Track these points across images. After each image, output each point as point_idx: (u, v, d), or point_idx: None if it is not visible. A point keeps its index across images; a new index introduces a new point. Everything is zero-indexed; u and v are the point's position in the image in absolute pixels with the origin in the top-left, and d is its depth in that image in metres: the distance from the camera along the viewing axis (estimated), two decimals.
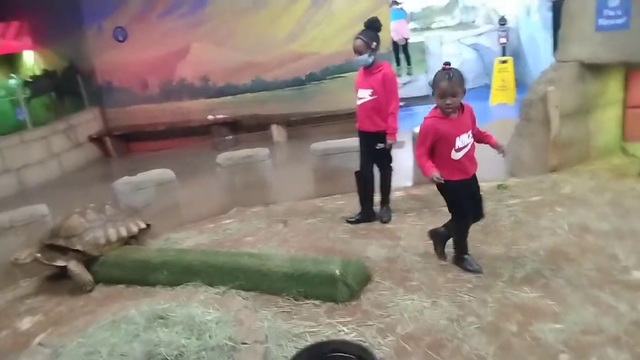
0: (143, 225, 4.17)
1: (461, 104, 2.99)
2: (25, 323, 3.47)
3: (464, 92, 2.93)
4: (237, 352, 2.55)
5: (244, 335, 2.72)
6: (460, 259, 3.31)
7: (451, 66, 2.93)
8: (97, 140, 8.41)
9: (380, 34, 4.02)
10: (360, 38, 3.87)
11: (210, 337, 2.57)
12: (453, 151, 3.00)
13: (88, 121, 8.46)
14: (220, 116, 8.19)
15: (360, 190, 4.34)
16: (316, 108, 7.85)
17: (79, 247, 3.74)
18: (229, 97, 8.20)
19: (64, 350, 2.72)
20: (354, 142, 5.10)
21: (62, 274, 3.82)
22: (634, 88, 5.03)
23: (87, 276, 3.73)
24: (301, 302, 3.16)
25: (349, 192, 5.05)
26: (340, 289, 3.11)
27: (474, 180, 3.20)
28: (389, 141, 4.06)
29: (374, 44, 3.88)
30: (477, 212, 3.27)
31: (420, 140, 3.05)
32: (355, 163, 5.06)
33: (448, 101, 2.90)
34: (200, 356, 2.45)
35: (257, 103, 8.12)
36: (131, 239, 4.07)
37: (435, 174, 2.98)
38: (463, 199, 3.17)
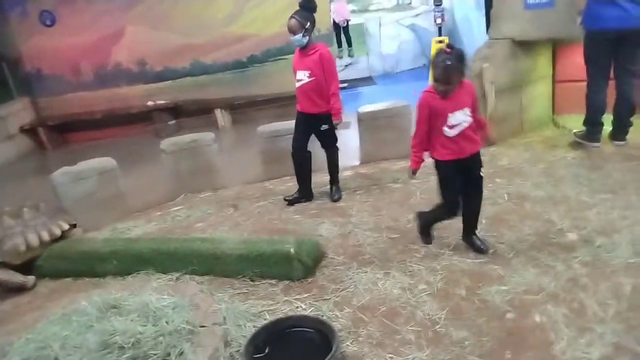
0: (66, 227, 3.90)
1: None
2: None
3: (463, 75, 2.80)
4: (196, 335, 2.54)
5: (201, 318, 2.71)
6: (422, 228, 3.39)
7: (453, 49, 2.74)
8: (29, 131, 7.90)
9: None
10: (294, 17, 3.85)
11: (167, 322, 2.54)
12: (445, 128, 2.88)
13: (18, 111, 7.92)
14: (161, 102, 7.92)
15: (297, 170, 4.37)
16: (259, 91, 7.76)
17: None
18: (168, 82, 7.93)
19: (11, 348, 2.61)
20: None
21: None
22: (561, 63, 5.34)
23: (18, 277, 3.55)
24: (257, 283, 3.18)
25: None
26: (295, 267, 3.16)
27: (472, 160, 3.02)
28: (335, 121, 4.10)
29: (308, 24, 3.86)
30: (472, 191, 3.11)
31: (418, 117, 2.95)
32: None
33: (440, 87, 2.80)
34: (157, 342, 2.41)
35: (198, 87, 7.91)
36: (56, 241, 3.82)
37: (410, 171, 3.15)
38: (451, 182, 3.07)
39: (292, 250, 3.19)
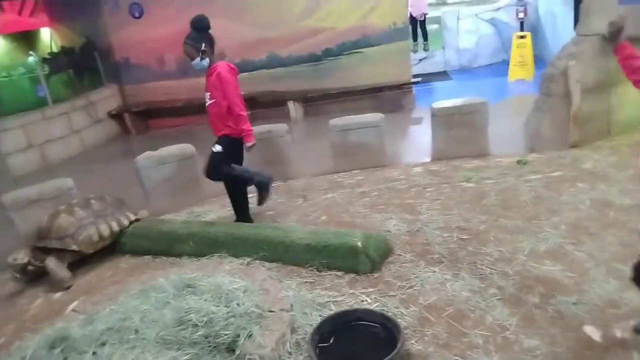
0: (133, 217, 4.08)
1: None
2: (57, 291, 3.60)
3: None
4: (264, 319, 2.63)
5: (270, 303, 2.80)
6: None
7: None
8: (116, 116, 8.48)
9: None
10: (186, 42, 3.57)
11: (238, 304, 2.66)
12: None
13: (107, 98, 8.53)
14: None
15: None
16: (332, 84, 7.82)
17: (74, 247, 3.68)
18: (245, 74, 8.12)
19: (97, 316, 2.83)
20: (373, 117, 5.13)
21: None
22: None
23: (64, 272, 3.64)
24: (324, 273, 3.23)
25: (368, 167, 5.11)
26: (362, 261, 3.17)
27: None
28: (247, 144, 3.79)
29: (203, 44, 3.57)
30: None
31: None
32: (373, 139, 5.10)
33: None
34: (229, 322, 2.53)
35: (273, 79, 8.10)
36: (120, 232, 3.99)
37: None
38: None
39: (359, 244, 3.21)
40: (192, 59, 3.61)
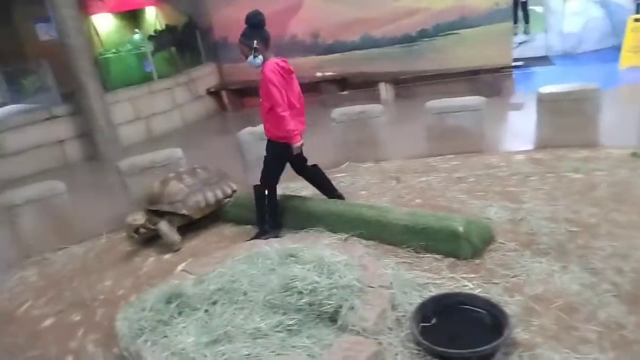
0: (235, 187, 4.28)
1: None
2: (167, 253, 3.89)
3: None
4: (365, 294, 2.68)
5: (369, 279, 2.84)
6: None
7: None
8: (214, 94, 8.89)
9: None
10: (239, 40, 3.51)
11: (340, 277, 2.72)
12: None
13: (205, 75, 8.95)
14: (329, 73, 8.27)
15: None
16: (426, 66, 7.65)
17: (184, 212, 3.92)
18: (338, 55, 8.23)
19: (207, 277, 3.02)
20: (473, 101, 4.98)
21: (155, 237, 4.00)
22: None
23: (175, 236, 3.90)
24: (422, 255, 3.21)
25: (464, 152, 4.97)
26: (463, 246, 3.12)
27: None
28: (294, 147, 3.65)
29: (255, 42, 3.44)
30: None
31: None
32: (471, 123, 4.94)
33: None
34: (332, 293, 2.60)
35: (365, 60, 8.07)
36: (224, 200, 4.20)
37: None
38: None
39: (460, 228, 3.15)
40: (246, 57, 3.52)
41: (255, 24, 3.47)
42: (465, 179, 4.37)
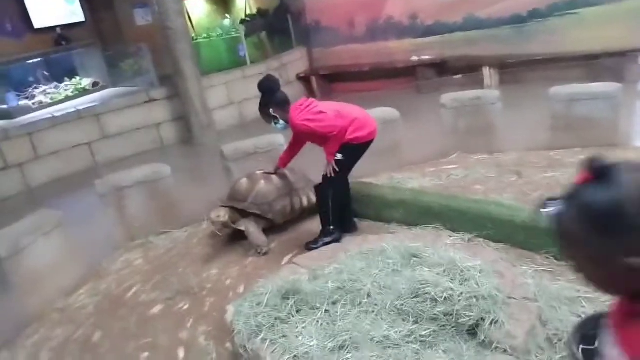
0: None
1: None
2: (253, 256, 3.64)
3: None
4: (509, 307, 2.33)
5: (509, 289, 2.49)
6: None
7: None
8: (303, 79, 8.71)
9: None
10: (259, 110, 3.47)
11: (477, 284, 2.39)
12: None
13: (296, 60, 8.78)
14: (425, 57, 7.80)
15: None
16: (537, 50, 6.94)
17: (270, 217, 3.69)
18: (437, 37, 7.71)
19: (322, 273, 2.80)
20: (607, 87, 4.39)
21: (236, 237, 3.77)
22: None
23: (262, 238, 3.65)
24: (563, 263, 2.78)
25: (593, 146, 4.38)
26: None
27: None
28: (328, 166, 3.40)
29: (271, 110, 3.36)
30: None
31: None
32: (604, 113, 4.37)
33: None
34: (470, 303, 2.28)
35: (467, 43, 7.49)
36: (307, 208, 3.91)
37: None
38: None
39: None
40: (269, 123, 3.50)
41: (265, 92, 3.41)
42: None
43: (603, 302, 2.40)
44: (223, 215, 3.59)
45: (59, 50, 7.88)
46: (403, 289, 2.43)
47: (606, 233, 0.89)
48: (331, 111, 3.37)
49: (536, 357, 2.14)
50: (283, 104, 3.41)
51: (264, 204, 3.69)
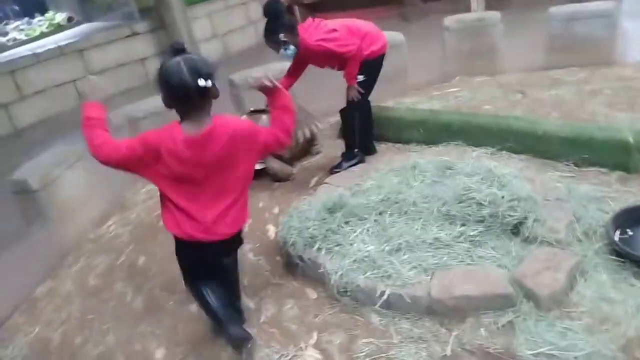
0: (320, 127, 3.83)
1: None
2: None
3: None
4: (545, 207, 2.52)
5: (542, 191, 2.68)
6: None
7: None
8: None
9: None
10: (265, 38, 3.23)
11: (515, 188, 2.56)
12: None
13: None
14: None
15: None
16: None
17: (279, 152, 3.52)
18: None
19: (360, 188, 2.92)
20: (604, 5, 4.51)
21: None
22: None
23: (287, 168, 3.59)
24: (584, 169, 3.00)
25: (589, 64, 4.56)
26: (634, 158, 2.88)
27: None
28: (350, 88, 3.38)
29: (281, 35, 3.16)
30: None
31: None
32: (600, 31, 4.49)
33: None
34: (513, 205, 2.46)
35: None
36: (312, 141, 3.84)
37: None
38: None
39: (630, 139, 2.90)
40: (277, 51, 3.29)
41: (273, 16, 3.17)
42: (601, 92, 4.03)
43: (626, 199, 2.64)
44: None
45: None
46: (448, 196, 2.59)
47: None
48: (342, 28, 3.27)
49: (576, 247, 2.35)
50: (293, 28, 3.24)
51: None
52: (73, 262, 3.13)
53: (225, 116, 1.90)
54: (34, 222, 3.05)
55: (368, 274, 2.31)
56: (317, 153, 3.75)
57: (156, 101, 4.02)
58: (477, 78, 4.80)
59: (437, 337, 2.08)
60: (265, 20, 3.23)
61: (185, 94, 1.74)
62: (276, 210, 3.28)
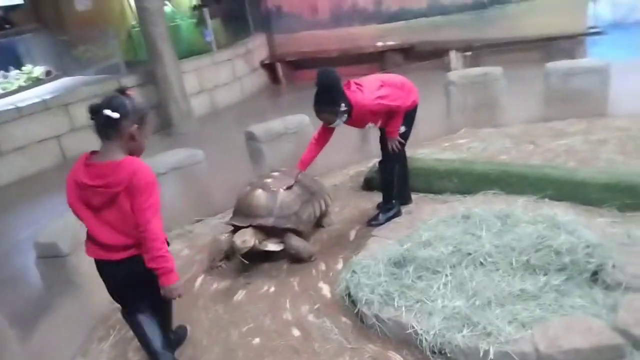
0: (330, 201, 3.62)
1: None
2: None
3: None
4: (613, 251, 2.53)
5: (599, 237, 2.68)
6: None
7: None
8: (267, 66, 8.54)
9: None
10: (323, 112, 3.07)
11: (584, 235, 2.56)
12: None
13: (258, 47, 8.58)
14: (390, 43, 8.01)
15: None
16: (498, 34, 7.44)
17: (301, 228, 3.21)
18: (402, 22, 7.95)
19: (419, 241, 2.83)
20: (598, 62, 4.84)
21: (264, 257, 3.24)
22: None
23: (310, 249, 3.21)
24: (628, 214, 3.08)
25: (586, 116, 4.81)
26: None
27: None
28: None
29: (342, 105, 3.01)
30: None
31: None
32: (595, 85, 4.77)
33: None
34: (589, 252, 2.45)
35: (432, 28, 7.81)
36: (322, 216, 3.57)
37: None
38: None
39: None
40: (331, 122, 3.11)
41: (333, 86, 3.02)
42: (607, 141, 4.24)
43: None
44: (249, 238, 3.01)
45: (4, 34, 7.01)
46: (522, 245, 2.55)
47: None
48: (385, 84, 3.23)
49: None
50: (345, 96, 3.06)
51: (291, 215, 3.16)
52: (104, 336, 2.79)
53: (139, 162, 2.00)
54: (63, 290, 2.72)
55: (465, 331, 2.19)
56: (329, 225, 3.59)
57: (177, 155, 3.90)
58: (483, 129, 4.95)
59: None
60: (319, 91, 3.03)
61: (92, 119, 1.96)
62: (323, 267, 3.12)
